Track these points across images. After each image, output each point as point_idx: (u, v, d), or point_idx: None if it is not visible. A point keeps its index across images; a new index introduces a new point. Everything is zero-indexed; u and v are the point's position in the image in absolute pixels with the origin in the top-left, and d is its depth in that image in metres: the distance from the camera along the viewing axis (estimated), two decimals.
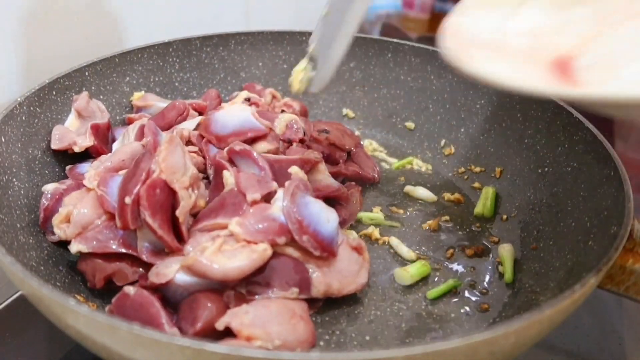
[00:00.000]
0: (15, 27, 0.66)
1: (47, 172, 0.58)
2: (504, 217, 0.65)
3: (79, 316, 0.34)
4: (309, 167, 0.57)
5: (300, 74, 0.55)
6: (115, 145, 0.61)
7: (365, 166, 0.69)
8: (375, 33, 1.27)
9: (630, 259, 0.44)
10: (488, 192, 0.66)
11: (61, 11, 0.71)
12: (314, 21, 0.84)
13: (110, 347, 0.35)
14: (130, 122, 0.66)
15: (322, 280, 0.49)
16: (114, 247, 0.48)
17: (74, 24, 0.74)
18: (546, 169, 0.63)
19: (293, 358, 0.33)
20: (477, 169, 0.71)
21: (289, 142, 0.62)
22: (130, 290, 0.45)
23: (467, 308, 0.53)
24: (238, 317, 0.43)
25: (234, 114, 0.60)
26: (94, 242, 0.48)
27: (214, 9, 0.96)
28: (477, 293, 0.55)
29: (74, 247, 0.48)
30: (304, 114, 0.75)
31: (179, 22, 0.91)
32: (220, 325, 0.43)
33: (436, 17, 1.41)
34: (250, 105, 0.70)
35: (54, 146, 0.59)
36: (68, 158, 0.61)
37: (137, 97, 0.70)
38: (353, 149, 0.70)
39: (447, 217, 0.65)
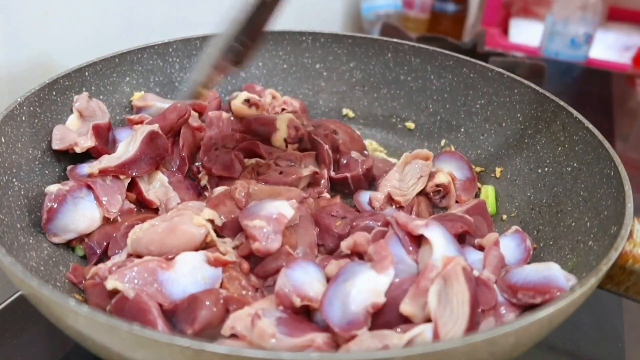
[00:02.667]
0: (15, 27, 0.66)
1: (47, 172, 0.58)
2: (504, 217, 0.65)
3: (79, 316, 0.34)
4: None
5: None
6: (120, 148, 0.60)
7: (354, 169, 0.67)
8: (375, 33, 1.27)
9: (630, 259, 0.44)
10: (487, 192, 0.66)
11: (61, 11, 0.71)
12: (314, 21, 0.83)
13: (111, 348, 0.35)
14: (130, 123, 0.66)
15: None
16: None
17: (74, 24, 0.74)
18: (546, 169, 0.63)
19: (293, 358, 0.33)
20: (477, 169, 0.71)
21: (293, 142, 0.62)
22: (129, 293, 0.45)
23: None
24: (242, 320, 0.43)
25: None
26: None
27: (214, 9, 0.96)
28: None
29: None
30: (303, 111, 0.75)
31: (179, 22, 0.91)
32: (225, 331, 0.42)
33: (436, 17, 1.41)
34: (250, 106, 0.70)
35: (55, 146, 0.59)
36: (68, 158, 0.61)
37: (137, 98, 0.70)
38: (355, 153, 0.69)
39: None
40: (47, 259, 0.51)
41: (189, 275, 0.48)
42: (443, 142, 0.75)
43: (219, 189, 0.58)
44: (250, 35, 0.52)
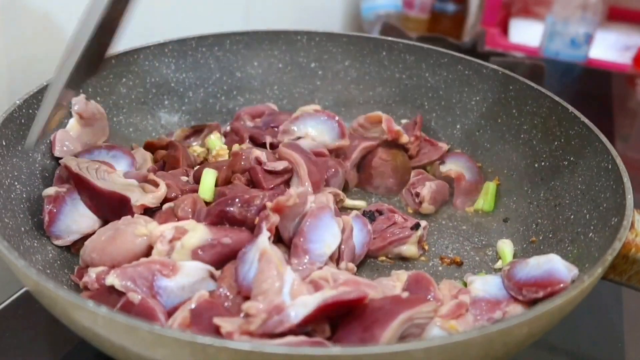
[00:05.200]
0: (16, 27, 0.66)
1: (47, 174, 0.58)
2: (503, 211, 0.66)
3: (97, 317, 0.34)
4: None
5: None
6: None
7: None
8: (375, 33, 1.27)
9: (633, 248, 0.46)
10: (488, 187, 0.67)
11: (61, 12, 0.71)
12: (314, 21, 0.82)
13: (130, 348, 0.35)
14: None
15: None
16: None
17: (74, 25, 0.73)
18: (543, 163, 0.64)
19: (314, 353, 0.33)
20: None
21: None
22: (135, 298, 0.44)
23: None
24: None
25: None
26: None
27: (214, 9, 0.96)
28: None
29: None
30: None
31: (179, 22, 0.90)
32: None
33: (436, 17, 1.42)
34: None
35: (57, 153, 0.58)
36: None
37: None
38: None
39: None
40: (52, 262, 0.51)
41: (188, 289, 0.46)
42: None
43: (167, 205, 0.56)
44: (91, 62, 0.50)
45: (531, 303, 0.48)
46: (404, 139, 0.68)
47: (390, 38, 0.79)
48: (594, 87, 1.19)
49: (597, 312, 0.60)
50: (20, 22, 0.66)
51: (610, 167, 0.53)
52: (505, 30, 1.56)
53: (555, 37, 1.35)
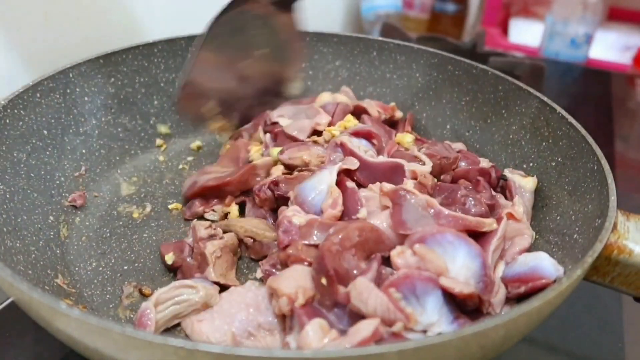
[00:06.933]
0: (15, 28, 0.66)
1: (32, 175, 0.57)
2: None
3: (70, 320, 0.34)
4: None
5: None
6: None
7: None
8: (376, 33, 1.26)
9: (615, 250, 0.45)
10: None
11: (61, 12, 0.71)
12: (314, 21, 0.82)
13: (103, 351, 0.35)
14: None
15: None
16: None
17: (74, 24, 0.73)
18: (531, 164, 0.64)
19: (287, 356, 0.33)
20: None
21: None
22: None
23: None
24: None
25: None
26: None
27: (213, 10, 0.96)
28: None
29: None
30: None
31: (180, 22, 0.90)
32: None
33: (436, 17, 1.42)
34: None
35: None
36: (54, 161, 0.60)
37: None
38: None
39: None
40: (34, 263, 0.50)
41: None
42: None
43: None
44: None
45: (517, 301, 0.48)
46: (399, 113, 0.74)
47: (380, 38, 0.79)
48: (593, 87, 1.18)
49: (597, 312, 0.60)
50: (20, 22, 0.66)
51: (595, 168, 0.53)
52: (505, 30, 1.56)
53: (555, 37, 1.34)
